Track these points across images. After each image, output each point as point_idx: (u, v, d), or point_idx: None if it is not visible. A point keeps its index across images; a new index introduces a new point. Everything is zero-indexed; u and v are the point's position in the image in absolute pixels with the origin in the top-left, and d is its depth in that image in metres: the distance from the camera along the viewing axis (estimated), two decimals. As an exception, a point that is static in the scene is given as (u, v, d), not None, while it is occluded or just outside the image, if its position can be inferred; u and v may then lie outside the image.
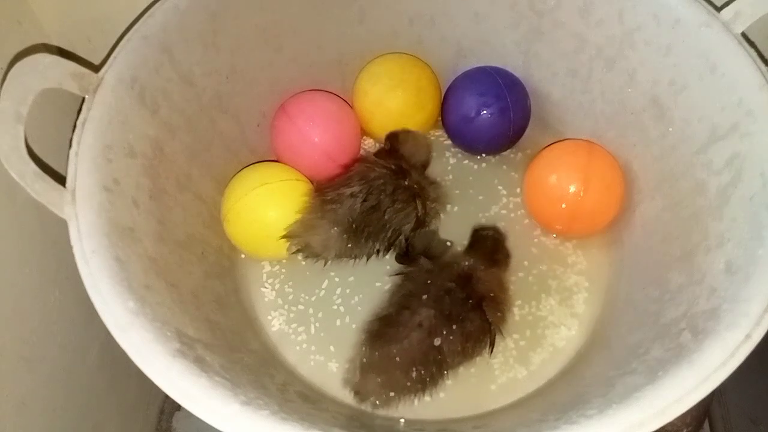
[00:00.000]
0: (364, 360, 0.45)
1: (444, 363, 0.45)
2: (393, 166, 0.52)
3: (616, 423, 0.31)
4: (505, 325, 0.48)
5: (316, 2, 0.54)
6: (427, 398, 0.48)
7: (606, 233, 0.55)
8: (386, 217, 0.50)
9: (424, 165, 0.56)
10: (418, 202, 0.51)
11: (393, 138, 0.56)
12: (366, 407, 0.45)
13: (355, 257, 0.52)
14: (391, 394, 0.45)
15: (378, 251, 0.52)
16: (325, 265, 0.53)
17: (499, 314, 0.47)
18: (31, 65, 0.37)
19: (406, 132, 0.56)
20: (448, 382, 0.48)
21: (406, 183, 0.51)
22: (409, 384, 0.44)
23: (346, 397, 0.48)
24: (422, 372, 0.44)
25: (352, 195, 0.50)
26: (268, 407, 0.33)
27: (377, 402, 0.45)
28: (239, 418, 0.32)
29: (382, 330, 0.46)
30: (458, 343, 0.45)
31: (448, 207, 0.57)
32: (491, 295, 0.47)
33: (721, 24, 0.43)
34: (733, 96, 0.42)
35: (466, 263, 0.49)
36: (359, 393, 0.45)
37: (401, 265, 0.51)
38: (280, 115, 0.57)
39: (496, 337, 0.47)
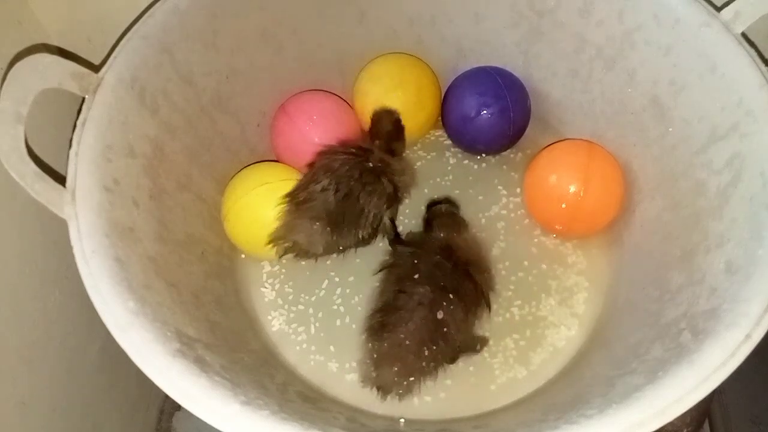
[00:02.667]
0: (375, 355, 0.46)
1: (449, 335, 0.45)
2: (354, 150, 0.52)
3: (616, 423, 0.31)
4: (494, 282, 0.50)
5: (316, 2, 0.54)
6: (427, 398, 0.48)
7: (606, 233, 0.55)
8: (361, 201, 0.50)
9: (390, 137, 0.55)
10: (383, 179, 0.51)
11: (374, 116, 0.56)
12: (392, 399, 0.46)
13: (343, 249, 0.53)
14: (411, 378, 0.45)
15: (364, 238, 0.52)
16: (316, 261, 0.53)
17: (486, 274, 0.49)
18: (31, 65, 0.37)
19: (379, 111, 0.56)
20: (448, 382, 0.48)
21: (370, 164, 0.51)
22: (423, 364, 0.45)
23: (346, 396, 0.48)
24: (433, 349, 0.45)
25: (323, 189, 0.50)
26: (268, 407, 0.33)
27: (400, 391, 0.45)
28: (239, 418, 0.32)
29: (384, 320, 0.46)
30: (459, 311, 0.46)
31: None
32: (473, 258, 0.49)
33: (721, 24, 0.43)
34: (733, 96, 0.42)
35: (441, 234, 0.50)
36: (381, 387, 0.46)
37: (393, 251, 0.52)
38: (280, 115, 0.57)
39: (491, 301, 0.49)
